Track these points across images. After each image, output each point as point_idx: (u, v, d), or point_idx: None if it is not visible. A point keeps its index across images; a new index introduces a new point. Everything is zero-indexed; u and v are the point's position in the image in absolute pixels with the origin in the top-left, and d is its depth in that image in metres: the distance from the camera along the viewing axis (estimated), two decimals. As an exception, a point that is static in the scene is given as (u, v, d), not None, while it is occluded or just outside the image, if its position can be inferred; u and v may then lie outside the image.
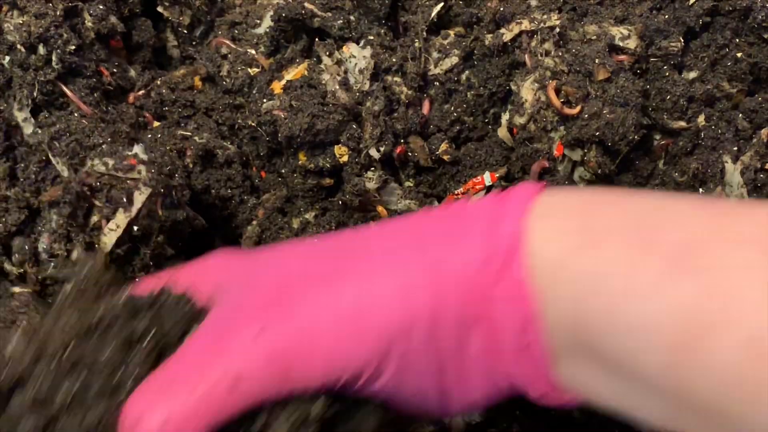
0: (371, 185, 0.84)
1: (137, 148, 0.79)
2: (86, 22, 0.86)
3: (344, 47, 0.86)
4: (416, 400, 0.59)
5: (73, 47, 0.83)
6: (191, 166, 0.88)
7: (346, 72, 0.85)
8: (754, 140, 0.83)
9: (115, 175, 0.76)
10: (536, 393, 0.58)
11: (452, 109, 0.87)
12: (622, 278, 0.50)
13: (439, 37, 0.88)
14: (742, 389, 0.47)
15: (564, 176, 0.83)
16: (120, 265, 0.76)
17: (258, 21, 0.90)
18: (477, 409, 0.73)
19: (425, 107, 0.87)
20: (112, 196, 0.75)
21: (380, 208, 0.84)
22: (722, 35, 0.86)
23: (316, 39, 0.88)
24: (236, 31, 0.91)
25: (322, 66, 0.85)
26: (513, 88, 0.85)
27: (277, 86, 0.85)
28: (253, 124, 0.85)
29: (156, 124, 0.90)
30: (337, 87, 0.83)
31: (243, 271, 0.64)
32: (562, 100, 0.81)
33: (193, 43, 0.95)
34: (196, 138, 0.87)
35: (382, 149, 0.83)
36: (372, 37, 0.86)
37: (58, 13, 0.83)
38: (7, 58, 0.81)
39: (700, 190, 0.84)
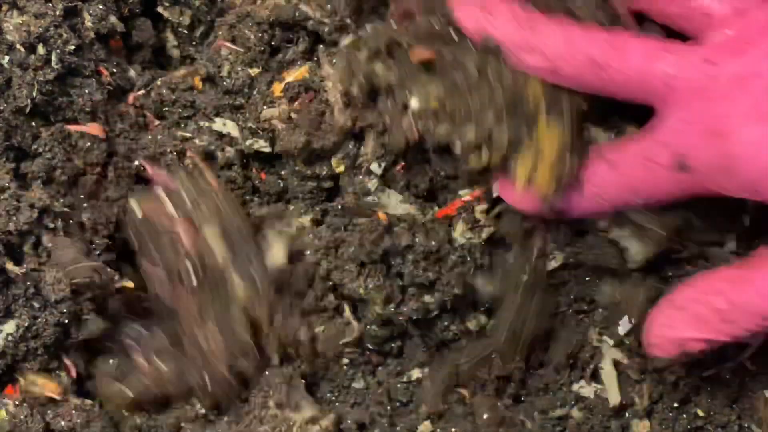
0: (371, 186, 0.84)
1: None
2: (86, 22, 0.86)
3: None
4: None
5: (73, 47, 0.83)
6: (191, 166, 0.88)
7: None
8: None
9: None
10: None
11: None
12: None
13: None
14: None
15: None
16: None
17: (258, 21, 0.90)
18: None
19: None
20: None
21: (381, 214, 0.84)
22: None
23: (321, 46, 0.88)
24: (236, 32, 0.91)
25: (324, 73, 0.85)
26: None
27: (277, 88, 0.85)
28: (253, 126, 0.85)
29: (156, 124, 0.90)
30: (339, 98, 0.83)
31: None
32: None
33: (194, 43, 0.95)
34: (197, 140, 0.87)
35: (383, 165, 0.83)
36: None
37: (57, 13, 0.83)
38: (7, 58, 0.81)
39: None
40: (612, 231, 0.81)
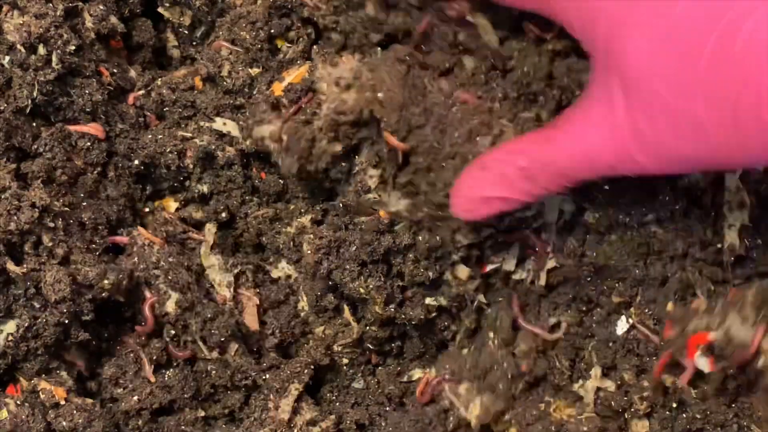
0: (372, 183, 0.84)
1: None
2: (86, 22, 0.86)
3: (343, 58, 0.86)
4: None
5: (73, 47, 0.83)
6: (191, 167, 0.88)
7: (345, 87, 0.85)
8: None
9: None
10: None
11: None
12: None
13: None
14: None
15: None
16: None
17: (258, 21, 0.90)
18: None
19: None
20: None
21: (382, 213, 0.84)
22: None
23: (314, 47, 0.88)
24: (236, 32, 0.91)
25: (319, 74, 0.85)
26: None
27: (277, 87, 0.85)
28: (248, 143, 0.86)
29: (156, 124, 0.90)
30: (333, 110, 0.83)
31: None
32: None
33: (194, 43, 0.95)
34: (197, 140, 0.87)
35: (379, 172, 0.84)
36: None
37: (58, 14, 0.83)
38: (7, 58, 0.81)
39: None
40: None
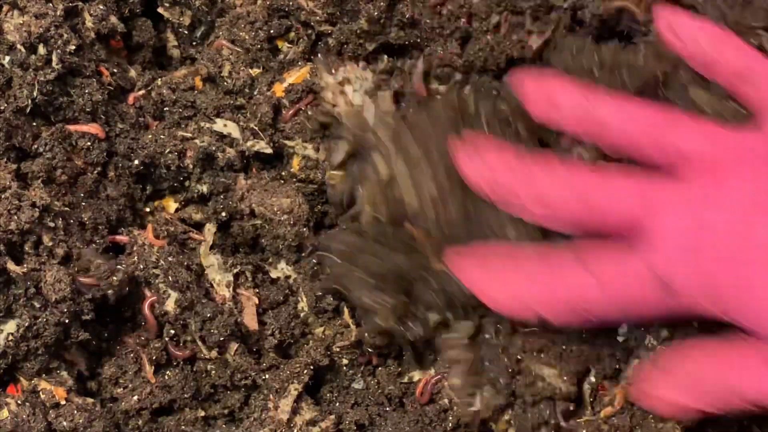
0: None
1: None
2: (86, 22, 0.86)
3: (348, 66, 0.86)
4: None
5: (73, 47, 0.83)
6: (191, 167, 0.88)
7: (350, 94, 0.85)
8: None
9: None
10: None
11: None
12: None
13: None
14: None
15: None
16: None
17: (258, 22, 0.90)
18: None
19: None
20: None
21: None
22: None
23: (318, 55, 0.88)
24: (237, 32, 0.91)
25: (323, 83, 0.85)
26: None
27: (278, 88, 0.86)
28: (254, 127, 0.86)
29: (156, 124, 0.90)
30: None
31: None
32: None
33: (194, 43, 0.95)
34: (197, 140, 0.87)
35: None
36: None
37: (58, 13, 0.83)
38: (7, 58, 0.81)
39: None
40: None
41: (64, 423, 0.79)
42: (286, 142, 0.87)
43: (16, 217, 0.78)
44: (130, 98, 0.89)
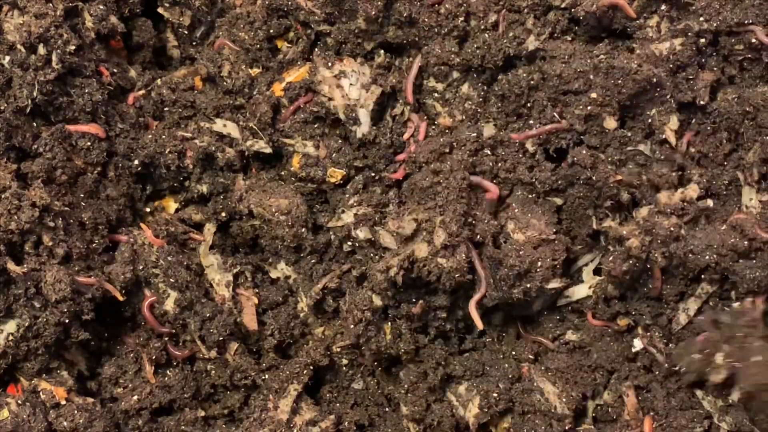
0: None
1: None
2: (86, 22, 0.86)
3: (345, 60, 0.86)
4: None
5: (73, 47, 0.83)
6: (191, 167, 0.88)
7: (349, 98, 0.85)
8: None
9: None
10: None
11: None
12: None
13: None
14: None
15: None
16: None
17: (257, 21, 0.90)
18: None
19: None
20: None
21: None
22: None
23: (315, 50, 0.88)
24: (236, 32, 0.91)
25: (320, 77, 0.85)
26: None
27: (277, 87, 0.86)
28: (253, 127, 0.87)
29: (156, 124, 0.90)
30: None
31: None
32: None
33: (194, 43, 0.95)
34: (197, 140, 0.87)
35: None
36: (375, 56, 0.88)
37: (58, 13, 0.83)
38: (7, 58, 0.81)
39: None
40: None
41: (65, 423, 0.80)
42: (286, 140, 0.87)
43: (16, 217, 0.78)
44: (130, 98, 0.89)
